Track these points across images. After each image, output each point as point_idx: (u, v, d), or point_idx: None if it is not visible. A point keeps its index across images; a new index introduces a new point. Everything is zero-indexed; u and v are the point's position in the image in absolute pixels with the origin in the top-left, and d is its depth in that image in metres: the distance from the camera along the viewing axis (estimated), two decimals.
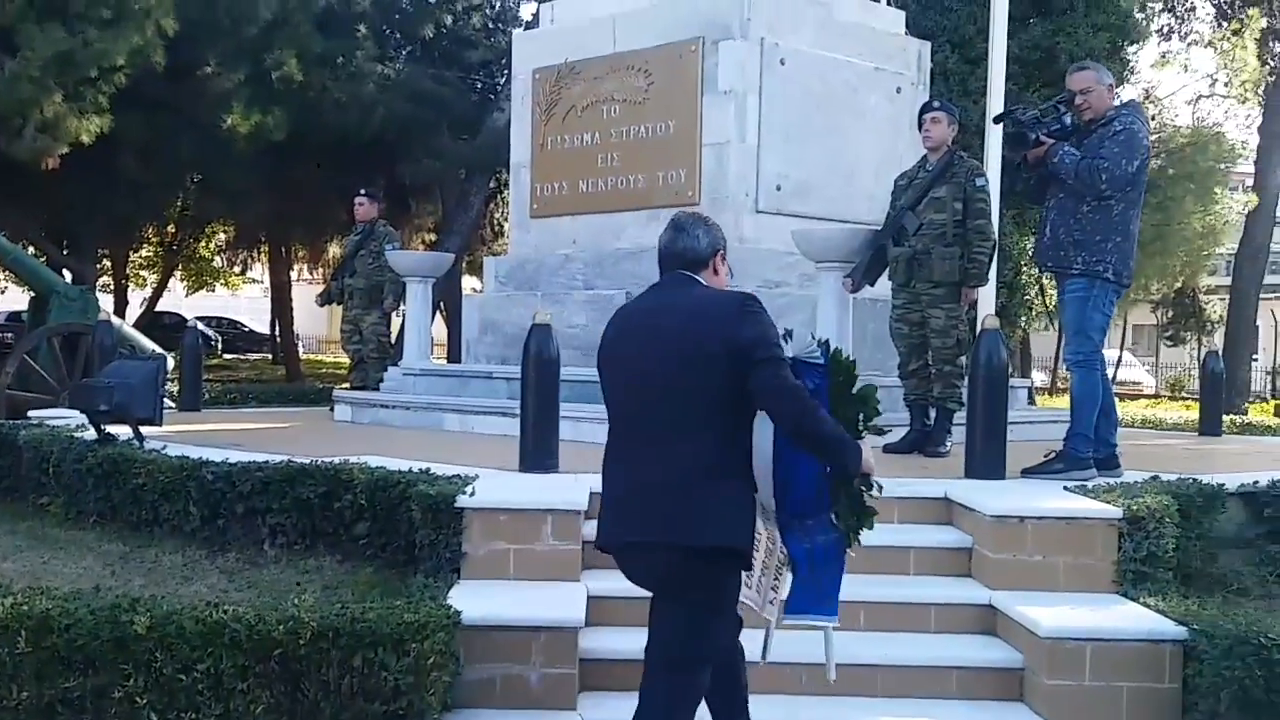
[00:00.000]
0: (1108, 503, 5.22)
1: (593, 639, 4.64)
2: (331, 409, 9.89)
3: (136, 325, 24.43)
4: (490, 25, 20.92)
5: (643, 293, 3.89)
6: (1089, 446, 6.14)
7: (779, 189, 8.66)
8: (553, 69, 9.49)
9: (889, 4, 11.83)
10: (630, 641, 4.01)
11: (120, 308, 27.99)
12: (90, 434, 6.85)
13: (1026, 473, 6.12)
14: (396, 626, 4.08)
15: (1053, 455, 6.17)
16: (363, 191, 10.72)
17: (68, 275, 17.83)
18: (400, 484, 5.43)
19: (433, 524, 5.05)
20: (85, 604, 4.08)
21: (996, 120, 8.06)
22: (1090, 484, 5.71)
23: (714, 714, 3.89)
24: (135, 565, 5.78)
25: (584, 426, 7.68)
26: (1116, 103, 6.18)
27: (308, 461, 5.85)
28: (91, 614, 3.99)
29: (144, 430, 6.83)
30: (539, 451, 5.88)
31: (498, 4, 21.80)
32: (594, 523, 5.26)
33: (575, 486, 5.38)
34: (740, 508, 3.54)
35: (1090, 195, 5.95)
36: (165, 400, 10.72)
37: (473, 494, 5.07)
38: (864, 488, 3.66)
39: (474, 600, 4.53)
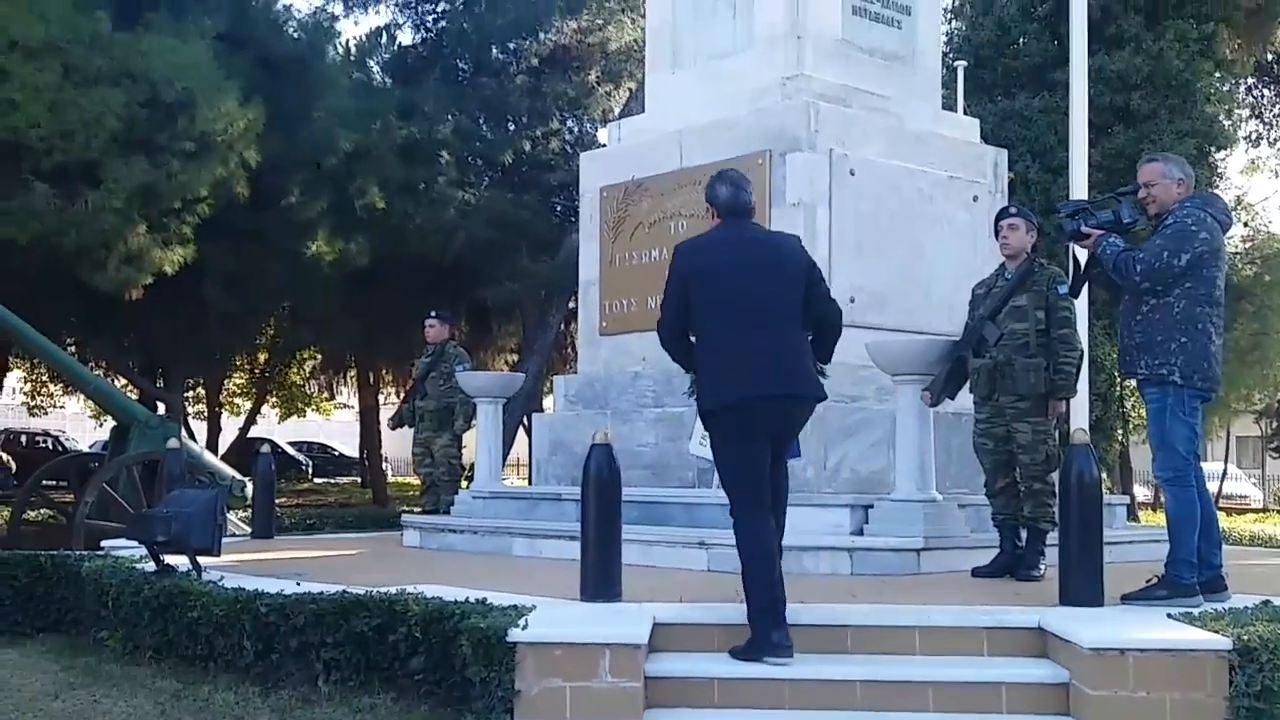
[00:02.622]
0: (1216, 632, 4.78)
1: None
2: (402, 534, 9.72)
3: (229, 452, 24.85)
4: (568, 149, 21.20)
5: (715, 230, 5.42)
6: (1193, 571, 5.68)
7: (853, 301, 8.38)
8: (619, 186, 9.43)
9: (965, 114, 11.70)
10: None
11: (214, 435, 28.46)
12: (151, 565, 6.73)
13: (1127, 599, 5.67)
14: None
15: (1155, 580, 5.72)
16: (433, 313, 10.69)
17: (161, 407, 18.12)
18: (455, 615, 5.18)
19: (484, 659, 4.78)
20: None
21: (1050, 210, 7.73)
22: (1197, 611, 5.26)
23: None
24: (187, 704, 5.58)
25: (656, 551, 7.44)
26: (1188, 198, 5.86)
27: (362, 592, 5.63)
28: None
29: (204, 560, 6.69)
30: (600, 579, 5.60)
31: (576, 129, 22.14)
32: (658, 656, 5.03)
33: (637, 617, 5.09)
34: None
35: (1127, 291, 5.76)
36: (229, 528, 10.77)
37: (525, 627, 4.79)
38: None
39: None
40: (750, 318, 5.14)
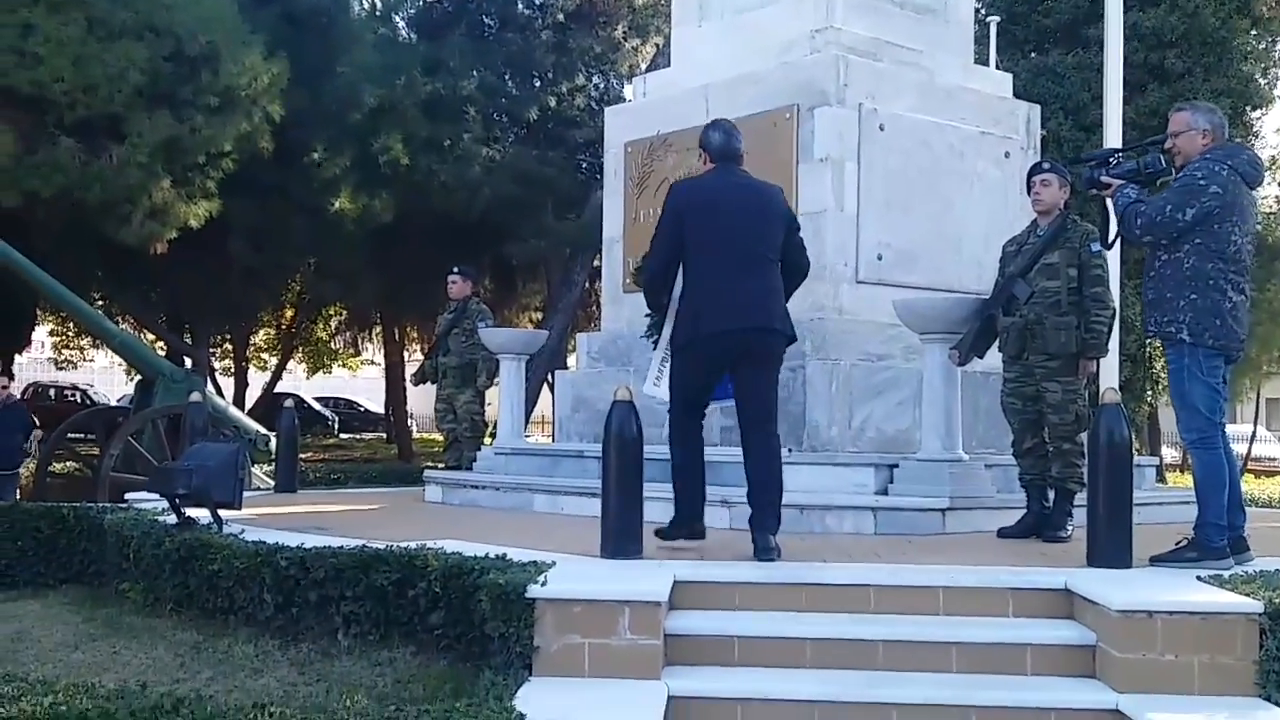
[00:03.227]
0: (1247, 595, 4.68)
1: None
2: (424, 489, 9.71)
3: (255, 407, 24.97)
4: (594, 105, 21.01)
5: (709, 173, 5.91)
6: (1222, 534, 5.58)
7: (880, 258, 8.28)
8: (644, 141, 9.30)
9: (997, 70, 11.48)
10: None
11: (240, 390, 28.60)
12: (173, 518, 6.73)
13: (1156, 561, 5.57)
14: None
15: (1184, 542, 5.62)
16: (455, 269, 10.61)
17: (188, 362, 18.20)
18: (474, 571, 5.14)
19: (503, 615, 4.73)
20: (126, 704, 3.85)
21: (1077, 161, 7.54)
22: (1227, 574, 5.16)
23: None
24: (206, 656, 5.58)
25: None
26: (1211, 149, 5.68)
27: (382, 546, 5.60)
28: (131, 715, 3.75)
29: (225, 514, 6.68)
30: (620, 536, 5.54)
31: (602, 85, 21.92)
32: (677, 614, 4.99)
33: (657, 574, 5.04)
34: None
35: (1132, 242, 5.70)
36: (253, 482, 10.80)
37: (545, 583, 4.74)
38: None
39: (543, 703, 4.18)
40: (738, 256, 5.63)
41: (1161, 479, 10.74)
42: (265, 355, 34.15)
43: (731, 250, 5.63)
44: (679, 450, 5.99)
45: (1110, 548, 5.47)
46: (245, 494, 8.36)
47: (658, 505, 7.22)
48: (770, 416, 5.80)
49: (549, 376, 17.76)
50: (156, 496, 7.83)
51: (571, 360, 24.46)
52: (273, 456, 11.15)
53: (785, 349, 5.86)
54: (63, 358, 32.03)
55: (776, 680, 4.73)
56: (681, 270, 5.77)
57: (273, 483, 10.46)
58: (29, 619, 6.42)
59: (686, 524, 6.04)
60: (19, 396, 15.04)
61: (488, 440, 10.49)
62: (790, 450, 7.78)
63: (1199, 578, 5.13)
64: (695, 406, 5.98)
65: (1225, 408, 5.78)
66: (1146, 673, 4.55)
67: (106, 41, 12.58)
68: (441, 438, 11.26)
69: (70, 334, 30.08)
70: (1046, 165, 6.93)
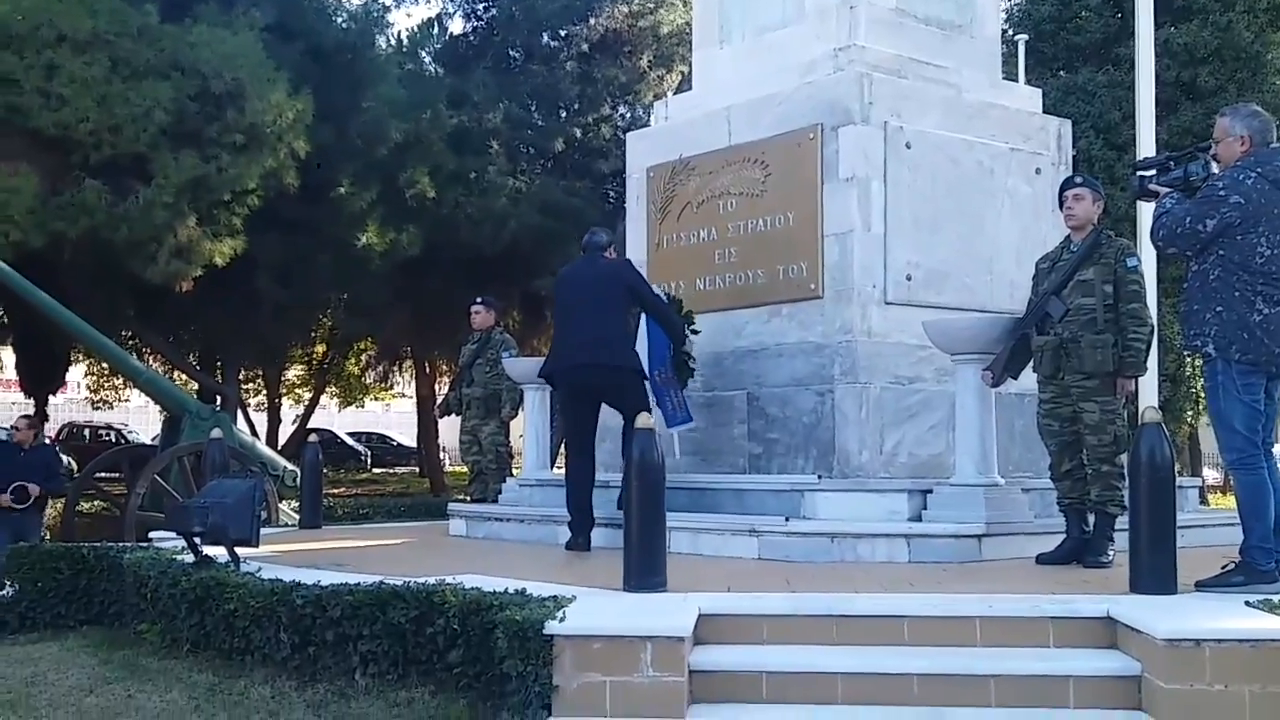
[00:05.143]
0: None
1: None
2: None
3: (288, 442, 24.96)
4: (620, 135, 20.95)
5: (578, 260, 7.99)
6: (1269, 557, 5.35)
7: (909, 279, 8.09)
8: (666, 165, 9.16)
9: (1026, 84, 11.30)
10: None
11: (274, 426, 28.65)
12: (190, 557, 6.61)
13: (1201, 586, 5.35)
14: None
15: (1231, 566, 5.39)
16: (479, 299, 10.51)
17: (219, 399, 18.19)
18: (493, 607, 4.98)
19: (520, 653, 4.57)
20: None
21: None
22: (1277, 599, 4.93)
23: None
24: (222, 699, 5.44)
25: (705, 539, 7.22)
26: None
27: (400, 583, 5.45)
28: None
29: (247, 551, 6.56)
30: (643, 568, 5.37)
31: (628, 115, 21.90)
32: (703, 648, 4.81)
33: (681, 608, 4.86)
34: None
35: (1159, 253, 5.56)
36: (280, 518, 10.69)
37: (563, 619, 4.57)
38: (686, 357, 8.25)
39: None
40: (579, 315, 7.61)
41: (1204, 501, 10.45)
42: (300, 391, 34.23)
43: (573, 307, 7.70)
44: (567, 483, 7.73)
45: (1154, 573, 5.25)
46: (269, 530, 8.29)
47: (683, 536, 7.11)
48: (591, 448, 7.81)
49: None
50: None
51: None
52: (300, 492, 11.04)
53: (625, 379, 7.55)
54: (98, 398, 32.21)
55: (807, 716, 4.55)
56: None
57: (298, 518, 10.35)
58: (45, 661, 6.30)
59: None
60: (54, 437, 15.04)
61: (515, 470, 10.35)
62: (820, 477, 7.61)
63: (1247, 603, 4.91)
64: (575, 445, 7.82)
65: (1271, 426, 5.55)
66: (1195, 704, 4.33)
67: (131, 81, 12.67)
68: (466, 469, 11.13)
69: (104, 374, 30.25)
70: (1079, 180, 6.75)
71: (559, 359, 7.68)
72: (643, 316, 8.27)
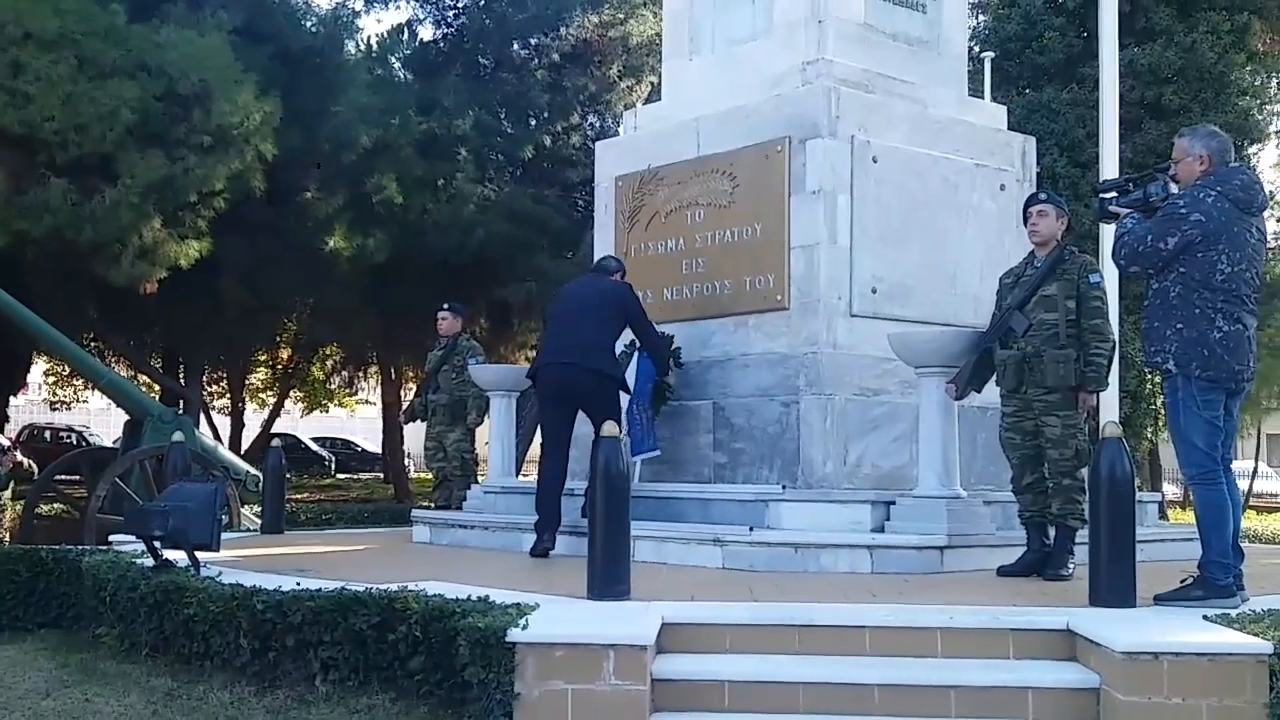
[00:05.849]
0: (1256, 635, 4.52)
1: None
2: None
3: (252, 447, 24.75)
4: (589, 145, 20.96)
5: (584, 276, 8.52)
6: (1227, 572, 5.42)
7: (874, 291, 8.14)
8: (635, 175, 9.19)
9: (992, 101, 11.39)
10: None
11: (237, 430, 28.40)
12: (150, 561, 6.55)
13: (1160, 600, 5.42)
14: None
15: (1189, 580, 5.46)
16: (445, 306, 10.49)
17: (181, 403, 18.02)
18: (455, 614, 4.96)
19: (482, 661, 4.57)
20: None
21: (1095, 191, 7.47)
22: (1234, 613, 4.99)
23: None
24: (180, 704, 5.40)
25: (670, 548, 7.24)
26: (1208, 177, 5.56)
27: (362, 589, 5.43)
28: None
29: (207, 556, 6.51)
30: (607, 576, 5.38)
31: (597, 124, 21.90)
32: (665, 657, 4.82)
33: (643, 616, 4.87)
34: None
35: (1121, 272, 5.66)
36: (243, 523, 10.61)
37: (526, 626, 4.57)
38: (666, 387, 8.47)
39: None
40: (573, 325, 7.83)
41: (1164, 515, 10.56)
42: (264, 395, 33.97)
43: (567, 316, 7.97)
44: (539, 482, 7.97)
45: (1114, 587, 5.31)
46: (230, 535, 8.21)
47: (648, 544, 7.12)
48: (565, 444, 7.93)
49: None
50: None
51: None
52: (263, 497, 10.96)
53: (599, 382, 7.70)
54: (58, 399, 31.84)
55: None
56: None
57: (260, 523, 10.28)
58: (2, 665, 6.20)
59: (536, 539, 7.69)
60: (14, 438, 14.85)
61: (480, 478, 10.33)
62: (784, 487, 7.64)
63: (1205, 617, 4.98)
64: (550, 444, 7.90)
65: (1229, 443, 5.62)
66: (1152, 717, 4.40)
67: (98, 80, 12.53)
68: (432, 476, 11.10)
69: (65, 375, 29.93)
70: (1043, 196, 6.83)
71: (544, 358, 7.92)
72: (635, 355, 8.37)
